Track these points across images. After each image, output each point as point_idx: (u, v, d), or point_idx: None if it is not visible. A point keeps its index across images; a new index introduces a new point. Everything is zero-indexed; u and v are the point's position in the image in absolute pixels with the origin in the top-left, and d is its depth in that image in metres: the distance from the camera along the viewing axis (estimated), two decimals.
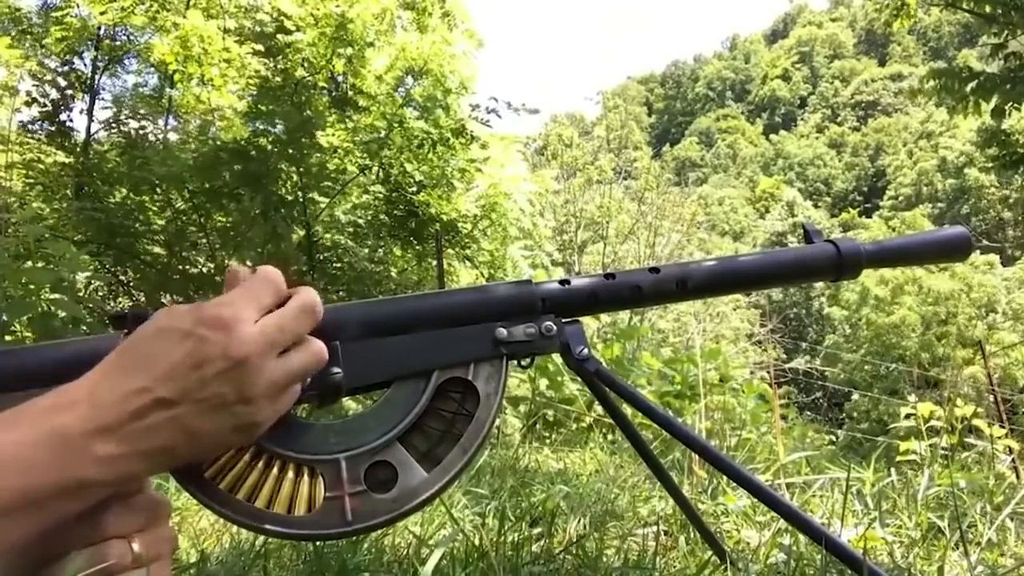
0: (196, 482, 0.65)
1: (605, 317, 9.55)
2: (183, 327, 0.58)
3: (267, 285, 0.64)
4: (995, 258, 33.82)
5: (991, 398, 6.32)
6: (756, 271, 0.85)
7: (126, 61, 8.35)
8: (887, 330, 26.48)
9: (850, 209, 58.36)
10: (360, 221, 7.85)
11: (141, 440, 0.56)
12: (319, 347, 0.65)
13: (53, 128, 7.82)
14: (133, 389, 0.56)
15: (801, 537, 1.05)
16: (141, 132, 7.96)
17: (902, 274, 27.01)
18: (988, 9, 7.79)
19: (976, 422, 3.60)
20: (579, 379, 0.80)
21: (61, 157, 7.82)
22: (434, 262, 7.07)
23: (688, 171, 69.93)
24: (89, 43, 7.92)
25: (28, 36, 7.53)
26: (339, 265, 7.73)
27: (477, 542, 1.02)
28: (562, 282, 0.77)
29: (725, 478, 1.42)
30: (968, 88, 7.55)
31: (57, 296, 3.34)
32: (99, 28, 7.71)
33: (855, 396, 24.17)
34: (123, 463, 0.55)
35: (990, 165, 8.75)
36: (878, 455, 1.84)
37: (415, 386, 0.71)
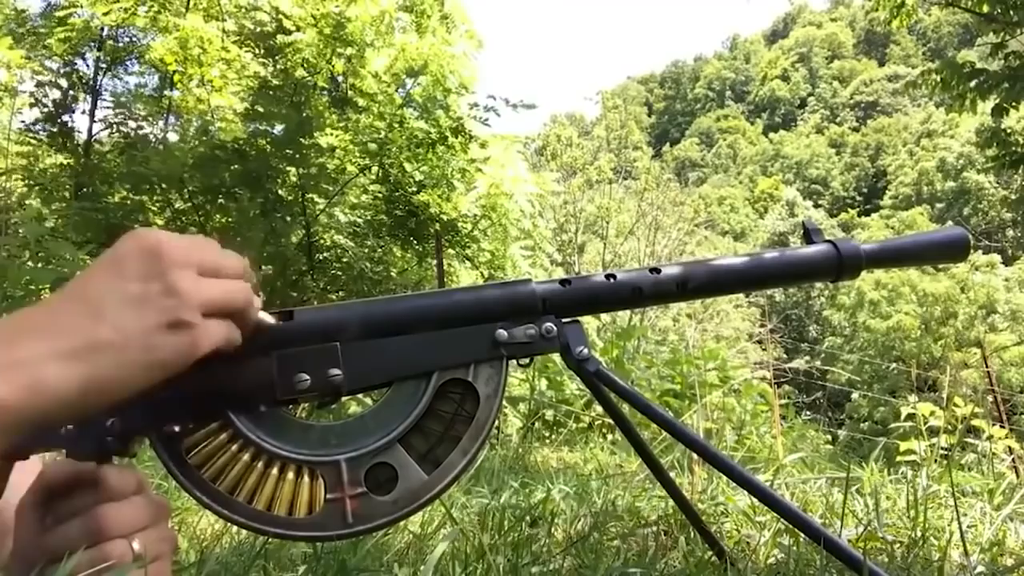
0: (197, 483, 0.65)
1: (605, 317, 9.56)
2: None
3: (206, 241, 0.63)
4: (996, 258, 33.83)
5: (990, 398, 6.32)
6: (756, 271, 0.85)
7: (128, 62, 8.35)
8: (885, 334, 26.50)
9: (849, 209, 58.36)
10: (360, 221, 7.84)
11: (59, 338, 0.53)
12: (252, 290, 0.63)
13: (55, 129, 7.83)
14: (58, 297, 0.56)
15: (801, 537, 1.05)
16: (141, 133, 7.97)
17: (897, 276, 27.04)
18: (987, 9, 7.78)
19: (976, 422, 3.61)
20: (579, 379, 0.80)
21: (62, 158, 7.83)
22: (434, 262, 7.07)
23: (688, 171, 69.94)
24: (91, 44, 7.93)
25: (31, 37, 7.53)
26: (339, 265, 7.72)
27: (477, 542, 1.02)
28: (562, 282, 0.77)
29: (725, 478, 1.42)
30: (969, 84, 7.55)
31: None
32: (102, 29, 7.71)
33: (855, 396, 24.18)
34: (37, 369, 0.51)
35: (990, 165, 8.74)
36: (877, 455, 1.85)
37: (415, 387, 0.71)
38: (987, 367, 6.72)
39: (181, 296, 0.56)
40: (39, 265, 3.45)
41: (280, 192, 7.26)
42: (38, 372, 0.52)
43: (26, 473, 0.65)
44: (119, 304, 0.55)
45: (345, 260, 7.61)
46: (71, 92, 7.89)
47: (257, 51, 7.29)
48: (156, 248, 0.57)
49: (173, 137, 8.22)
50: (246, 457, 0.66)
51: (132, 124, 8.01)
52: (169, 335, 0.56)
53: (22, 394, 0.51)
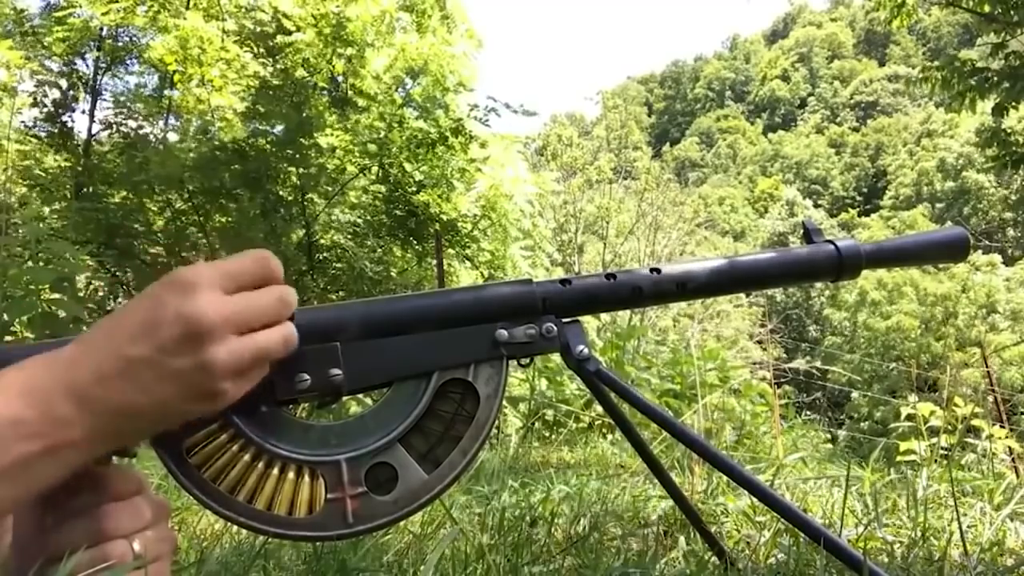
0: (197, 483, 0.65)
1: (605, 317, 9.56)
2: (150, 288, 0.59)
3: (252, 262, 0.62)
4: (997, 258, 33.84)
5: (990, 398, 6.31)
6: (756, 271, 0.85)
7: (128, 62, 8.34)
8: (885, 333, 26.51)
9: (849, 209, 58.36)
10: (360, 221, 7.85)
11: (102, 399, 0.55)
12: (290, 330, 0.63)
13: (55, 129, 7.83)
14: (103, 349, 0.57)
15: (801, 537, 1.05)
16: (141, 133, 7.97)
17: (899, 276, 27.04)
18: (988, 9, 7.78)
19: (976, 422, 3.61)
20: (579, 379, 0.80)
21: (62, 159, 7.83)
22: (434, 262, 7.06)
23: (688, 171, 69.96)
24: (91, 44, 7.92)
25: (31, 37, 7.52)
26: (339, 265, 7.73)
27: (477, 542, 1.02)
28: (562, 282, 0.77)
29: (725, 478, 1.42)
30: (969, 82, 7.54)
31: (57, 296, 3.34)
32: (101, 29, 7.70)
33: (855, 396, 24.17)
34: (84, 424, 0.55)
35: (990, 165, 8.73)
36: (877, 455, 1.85)
37: (415, 387, 0.71)
38: (987, 367, 6.72)
39: (216, 373, 0.58)
40: (39, 265, 3.45)
41: (280, 192, 7.27)
42: (79, 433, 0.55)
43: None
44: (158, 378, 0.57)
45: (345, 260, 7.61)
46: (71, 92, 7.89)
47: (257, 51, 7.29)
48: (194, 320, 0.57)
49: (173, 137, 8.22)
50: (246, 457, 0.66)
51: (132, 124, 8.01)
52: (200, 403, 0.59)
53: (59, 451, 0.55)
